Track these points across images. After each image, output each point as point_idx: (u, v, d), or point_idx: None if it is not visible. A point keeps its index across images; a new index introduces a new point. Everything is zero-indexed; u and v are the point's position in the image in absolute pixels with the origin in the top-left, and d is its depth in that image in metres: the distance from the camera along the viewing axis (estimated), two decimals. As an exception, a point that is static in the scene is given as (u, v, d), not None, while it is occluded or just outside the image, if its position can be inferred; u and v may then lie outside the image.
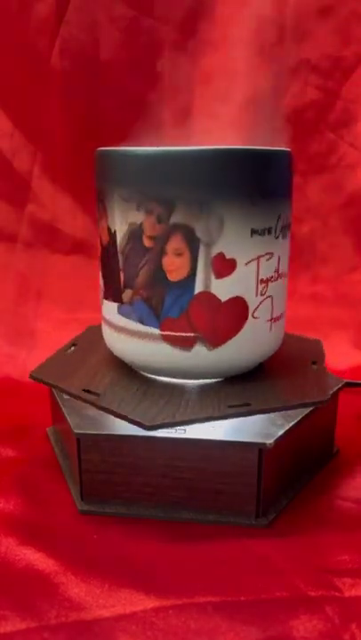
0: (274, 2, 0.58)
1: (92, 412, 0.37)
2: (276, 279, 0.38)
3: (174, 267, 0.35)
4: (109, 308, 0.39)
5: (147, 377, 0.40)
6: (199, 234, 0.34)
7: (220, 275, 0.35)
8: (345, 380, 0.43)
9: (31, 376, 0.41)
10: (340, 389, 0.42)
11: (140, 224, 0.35)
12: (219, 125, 0.60)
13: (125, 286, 0.37)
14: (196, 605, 0.30)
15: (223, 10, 0.59)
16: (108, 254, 0.37)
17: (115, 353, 0.41)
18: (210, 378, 0.39)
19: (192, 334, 0.36)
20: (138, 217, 0.35)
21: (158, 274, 0.35)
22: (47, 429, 0.47)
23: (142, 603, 0.30)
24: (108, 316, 0.39)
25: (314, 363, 0.43)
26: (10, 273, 0.66)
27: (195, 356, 0.36)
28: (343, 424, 0.45)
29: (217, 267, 0.35)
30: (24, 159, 0.64)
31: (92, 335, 0.48)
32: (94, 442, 0.36)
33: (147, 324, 0.36)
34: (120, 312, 0.38)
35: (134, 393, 0.37)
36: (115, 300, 0.38)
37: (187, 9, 0.60)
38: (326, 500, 0.39)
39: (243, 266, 0.35)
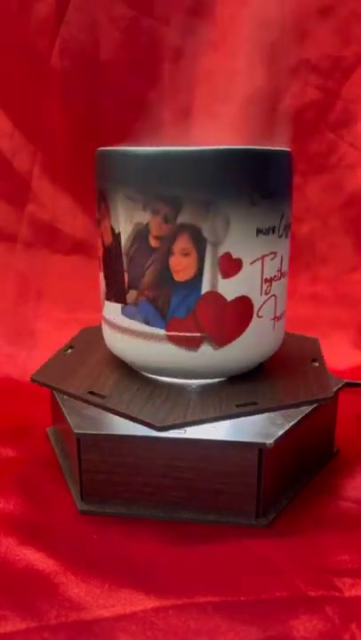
0: (274, 2, 0.58)
1: (92, 411, 0.37)
2: (280, 278, 0.38)
3: (181, 267, 0.35)
4: (111, 309, 0.38)
5: (148, 377, 0.39)
6: (206, 234, 0.34)
7: (226, 274, 0.35)
8: (345, 380, 0.43)
9: (32, 379, 0.40)
10: (340, 389, 0.42)
11: (147, 224, 0.35)
12: (219, 125, 0.60)
13: (130, 287, 0.36)
14: (196, 605, 0.30)
15: (223, 10, 0.59)
16: (111, 255, 0.37)
17: (116, 354, 0.40)
18: (214, 377, 0.39)
19: (199, 334, 0.36)
20: (144, 217, 0.34)
21: (165, 274, 0.35)
22: (47, 429, 0.47)
23: (142, 603, 0.30)
24: (110, 317, 0.39)
25: (313, 360, 0.43)
26: (10, 273, 0.66)
27: (200, 356, 0.36)
28: (343, 424, 0.45)
29: (224, 266, 0.35)
30: (24, 159, 0.64)
31: (88, 336, 0.48)
32: (94, 442, 0.36)
33: (152, 325, 0.36)
34: (124, 313, 0.37)
35: (140, 394, 0.37)
36: (118, 301, 0.38)
37: (187, 9, 0.59)
38: (326, 500, 0.39)
39: (248, 265, 0.35)
